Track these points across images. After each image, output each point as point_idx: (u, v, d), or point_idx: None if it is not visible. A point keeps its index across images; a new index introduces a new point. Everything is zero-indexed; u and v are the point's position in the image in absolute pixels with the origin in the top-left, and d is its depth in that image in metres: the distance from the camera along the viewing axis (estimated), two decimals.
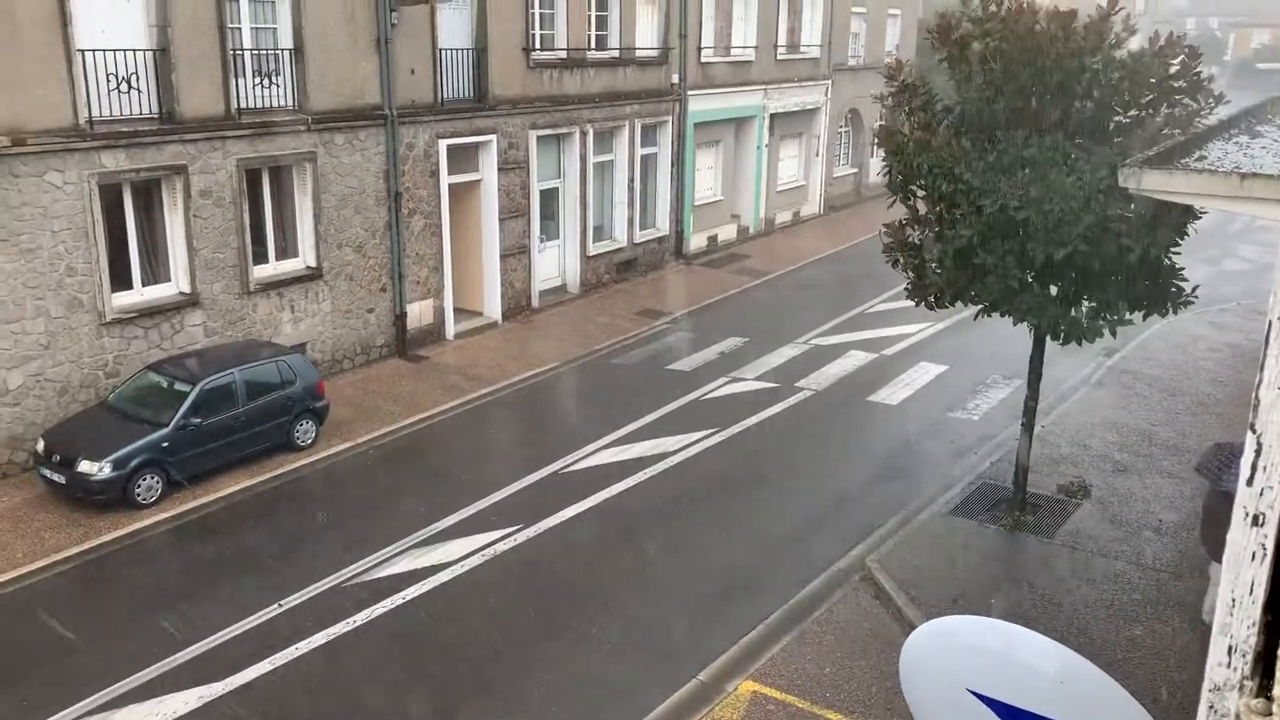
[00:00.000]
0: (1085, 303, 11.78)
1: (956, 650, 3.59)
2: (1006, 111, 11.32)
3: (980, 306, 12.11)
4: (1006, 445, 15.42)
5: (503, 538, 13.11)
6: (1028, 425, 13.24)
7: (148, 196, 15.76)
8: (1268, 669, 0.94)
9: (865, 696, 10.14)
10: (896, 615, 11.43)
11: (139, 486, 13.49)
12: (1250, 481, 0.98)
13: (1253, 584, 0.96)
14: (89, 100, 14.43)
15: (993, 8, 11.34)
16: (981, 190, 11.01)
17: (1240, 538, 0.99)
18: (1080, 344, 11.80)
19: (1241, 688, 0.90)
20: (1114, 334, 11.73)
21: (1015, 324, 12.18)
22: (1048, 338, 12.16)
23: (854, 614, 11.60)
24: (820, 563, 12.68)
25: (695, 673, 10.55)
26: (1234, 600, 0.99)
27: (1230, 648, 0.99)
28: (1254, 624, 0.95)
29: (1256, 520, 0.96)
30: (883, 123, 12.36)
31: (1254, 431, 0.97)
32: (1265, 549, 0.94)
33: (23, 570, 12.09)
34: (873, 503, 14.32)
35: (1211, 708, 1.14)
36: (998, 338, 18.52)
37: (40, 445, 13.83)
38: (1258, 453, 0.97)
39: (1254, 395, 0.97)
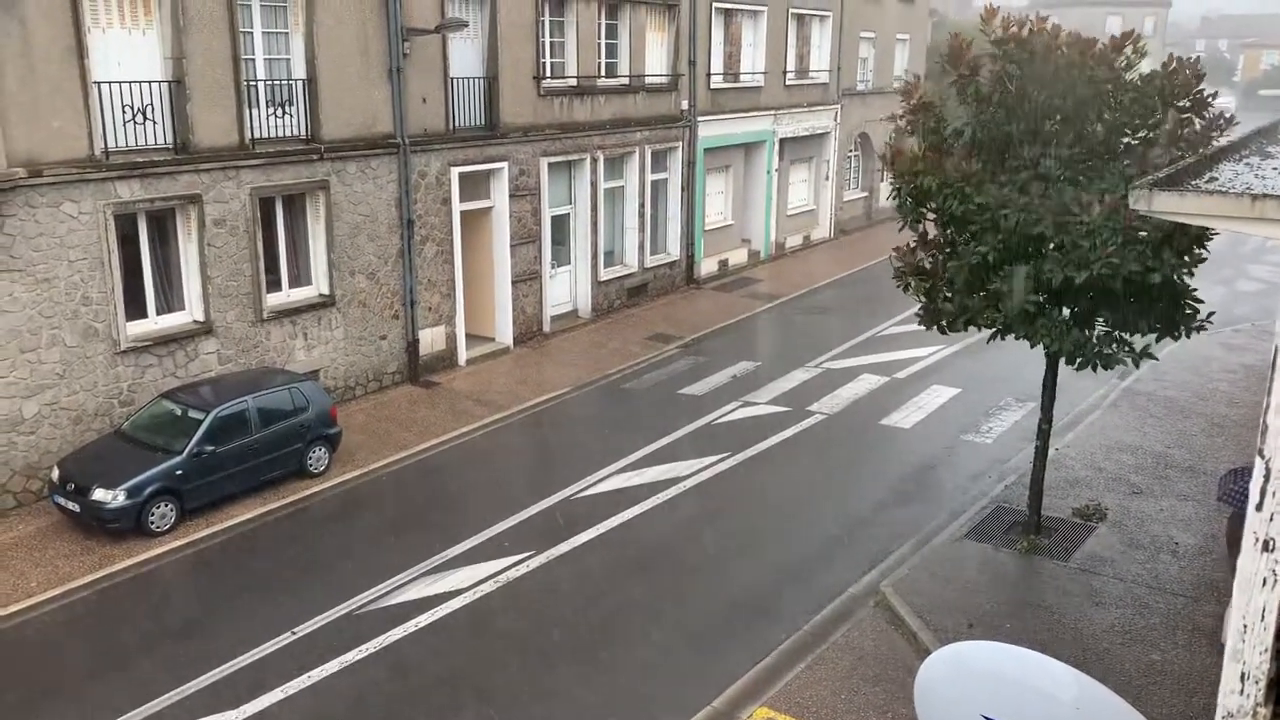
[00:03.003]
0: (1100, 325, 11.74)
1: (971, 676, 3.57)
2: (1019, 133, 11.34)
3: (994, 330, 12.07)
4: (1020, 468, 15.33)
5: (515, 564, 13.08)
6: (1042, 448, 13.17)
7: (162, 226, 15.90)
8: None
9: None
10: (912, 640, 11.34)
11: (153, 514, 13.52)
12: (1260, 506, 0.98)
13: (1264, 610, 0.95)
14: (105, 131, 14.59)
15: (1013, 29, 11.39)
16: (999, 204, 11.00)
17: (1250, 563, 0.99)
18: (1096, 370, 11.75)
19: (1255, 715, 0.89)
20: (1136, 365, 11.67)
21: (1032, 347, 12.13)
22: (1061, 360, 12.11)
23: (869, 640, 11.51)
24: (835, 588, 12.60)
25: (710, 699, 10.47)
26: (1245, 626, 0.98)
27: (1243, 674, 0.99)
28: (1266, 650, 0.94)
29: (1267, 546, 0.96)
30: (890, 144, 12.36)
31: (1262, 457, 0.97)
32: (1276, 574, 0.93)
33: (37, 599, 12.12)
34: (887, 527, 14.24)
35: None
36: (1010, 360, 18.48)
37: (55, 474, 13.89)
38: (1266, 478, 0.96)
39: (1262, 420, 0.97)
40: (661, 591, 12.55)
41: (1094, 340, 11.50)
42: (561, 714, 10.25)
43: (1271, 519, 0.92)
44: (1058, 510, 14.06)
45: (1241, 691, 0.97)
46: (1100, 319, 11.65)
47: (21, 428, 14.21)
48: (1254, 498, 0.92)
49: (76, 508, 13.44)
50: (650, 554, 13.48)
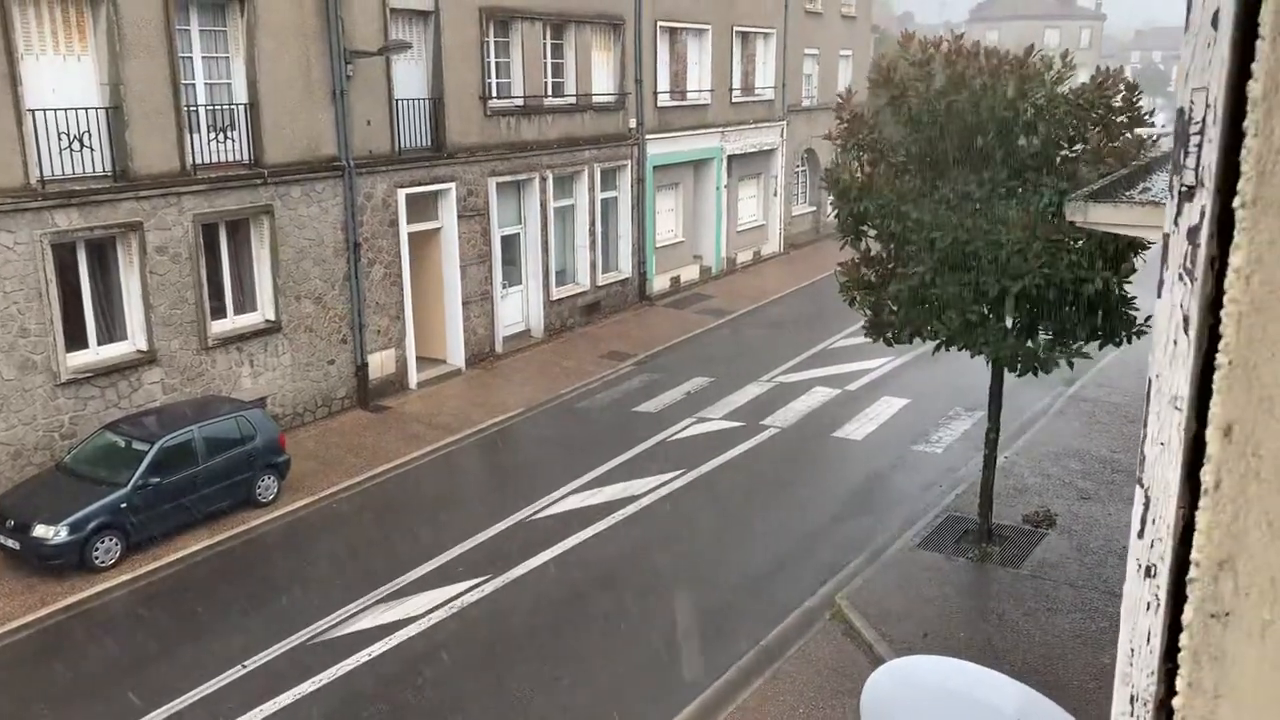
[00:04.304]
0: (1041, 334, 11.95)
1: (916, 690, 3.58)
2: (952, 150, 11.53)
3: (939, 341, 12.25)
4: (971, 477, 15.50)
5: (469, 589, 12.95)
6: (990, 456, 13.34)
7: (103, 254, 15.62)
8: (1169, 716, 0.94)
9: None
10: (868, 651, 11.40)
11: (97, 549, 13.21)
12: (1141, 534, 0.99)
13: (1149, 633, 0.96)
14: (40, 160, 14.31)
15: (930, 50, 11.59)
16: (933, 225, 11.19)
17: (1135, 589, 1.00)
18: (1037, 375, 11.96)
19: None
20: (1070, 365, 11.89)
21: (973, 357, 12.33)
22: (1006, 369, 12.30)
23: (826, 652, 11.55)
24: (791, 602, 12.64)
25: (669, 716, 10.42)
26: (1133, 650, 0.99)
27: (1132, 696, 1.00)
28: (1153, 673, 0.96)
29: (1149, 572, 0.97)
30: (830, 166, 12.56)
31: (1142, 486, 0.98)
32: (1159, 599, 0.95)
33: None
34: (841, 539, 14.32)
35: None
36: (958, 370, 18.69)
37: None
38: (1146, 506, 0.98)
39: (1140, 451, 0.98)
40: (619, 611, 12.50)
41: (1032, 346, 11.71)
42: None
43: (1152, 545, 0.93)
44: (1008, 518, 14.24)
45: (1131, 714, 0.97)
46: (1041, 328, 11.86)
47: None
48: (1135, 525, 0.94)
49: (16, 545, 13.09)
50: (607, 574, 13.42)
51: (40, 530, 12.95)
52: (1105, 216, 7.82)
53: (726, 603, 12.70)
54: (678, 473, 16.48)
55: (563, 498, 15.61)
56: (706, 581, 13.20)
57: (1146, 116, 11.46)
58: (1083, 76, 12.16)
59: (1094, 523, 14.21)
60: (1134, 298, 11.64)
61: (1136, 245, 10.89)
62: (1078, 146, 11.38)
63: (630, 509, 15.21)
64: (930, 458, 17.16)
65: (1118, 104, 11.24)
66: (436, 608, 12.52)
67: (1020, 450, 16.93)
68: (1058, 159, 11.50)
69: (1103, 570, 12.85)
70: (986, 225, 10.81)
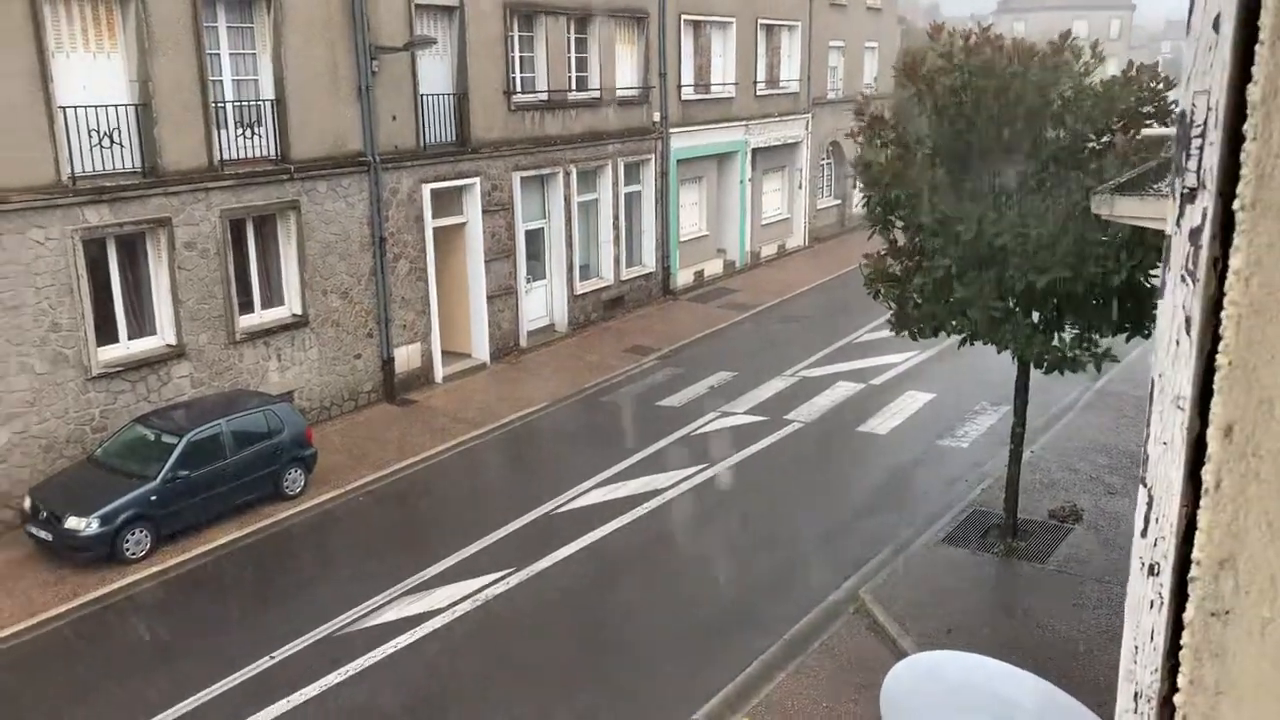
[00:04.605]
0: (1068, 329, 11.86)
1: (937, 685, 3.57)
2: (979, 142, 11.46)
3: (964, 336, 12.18)
4: (996, 472, 15.42)
5: (494, 582, 13.03)
6: (1016, 451, 13.27)
7: (132, 250, 15.80)
8: (1172, 713, 0.95)
9: None
10: (892, 646, 11.38)
11: (127, 541, 13.39)
12: (1144, 533, 1.01)
13: (1153, 631, 0.98)
14: (71, 156, 14.49)
15: (959, 42, 11.52)
16: (958, 217, 11.12)
17: (1138, 587, 1.01)
18: (1063, 374, 11.87)
19: None
20: (1098, 368, 11.79)
21: (999, 352, 12.25)
22: (1032, 365, 12.22)
23: (850, 647, 11.54)
24: (815, 596, 12.63)
25: (692, 711, 10.46)
26: (1137, 648, 1.00)
27: (1136, 693, 1.01)
28: (1156, 670, 0.97)
29: (1152, 570, 0.99)
30: (860, 154, 12.49)
31: (1145, 485, 0.99)
32: (1162, 597, 0.96)
33: (10, 630, 11.96)
34: (865, 534, 14.29)
35: None
36: (984, 364, 18.56)
37: (27, 503, 13.74)
38: (1149, 505, 0.99)
39: (1143, 450, 0.99)
40: (642, 605, 12.54)
41: (1059, 344, 11.62)
42: None
43: (1155, 544, 0.93)
44: (1034, 513, 14.16)
45: (1135, 710, 0.97)
46: (1067, 322, 11.77)
47: None
48: (1138, 524, 0.94)
49: (49, 537, 13.30)
50: (631, 567, 13.47)
51: (72, 522, 13.14)
52: (1132, 210, 7.75)
53: (751, 596, 12.71)
54: (701, 467, 16.49)
55: (586, 491, 15.66)
56: (730, 574, 13.22)
57: (1173, 109, 11.33)
58: (1112, 68, 12.04)
59: (1121, 518, 14.10)
60: None
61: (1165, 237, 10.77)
62: (1105, 139, 11.28)
63: (653, 503, 15.24)
64: (955, 452, 17.08)
65: (1144, 95, 11.12)
66: (461, 600, 12.60)
67: (1046, 445, 16.81)
68: (1084, 152, 11.40)
69: (1129, 566, 12.73)
70: (1014, 218, 10.72)
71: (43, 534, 13.36)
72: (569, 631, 12.02)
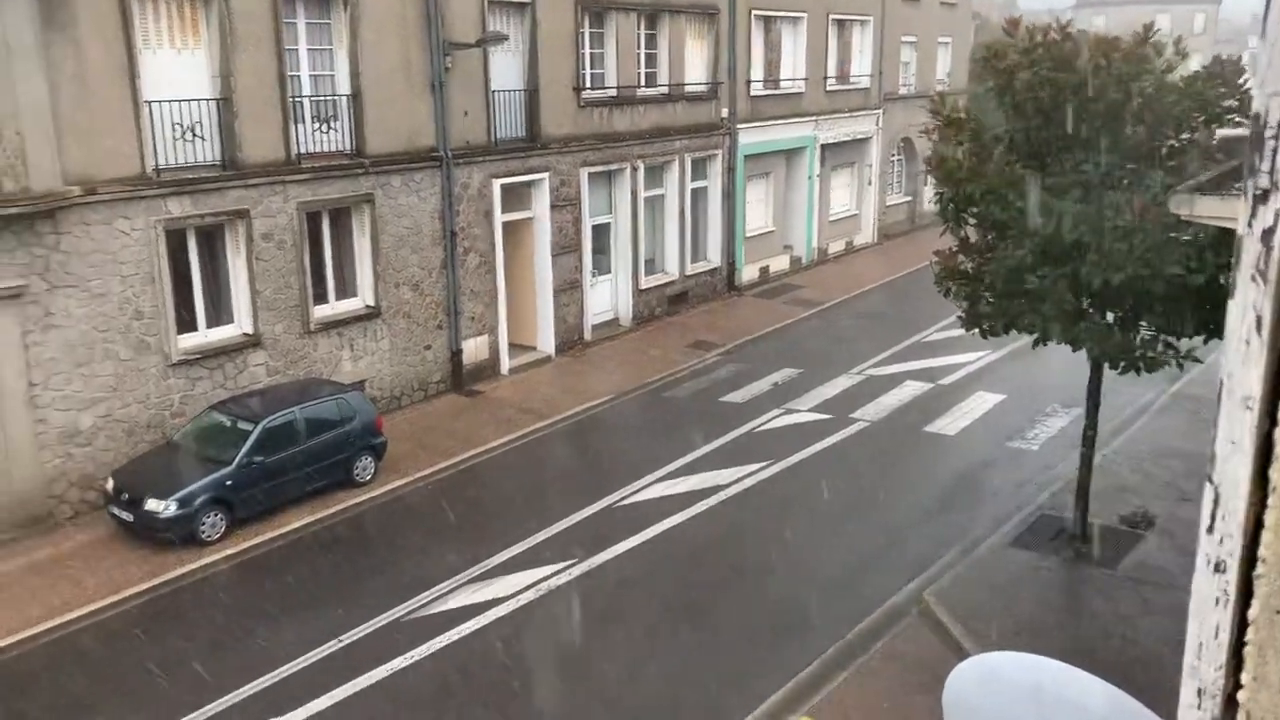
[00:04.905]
0: (1144, 329, 11.59)
1: (1001, 686, 3.55)
2: (1056, 138, 11.25)
3: (1036, 335, 11.96)
4: (1067, 475, 15.12)
5: (556, 572, 13.17)
6: (1087, 454, 13.02)
7: (211, 241, 16.25)
8: (1236, 710, 0.97)
9: None
10: (956, 649, 11.24)
11: (204, 524, 13.80)
12: (1211, 530, 1.02)
13: (1217, 628, 0.99)
14: (155, 149, 14.96)
15: (1038, 37, 11.32)
16: (1033, 211, 10.93)
17: (1204, 584, 1.03)
18: (1139, 373, 11.60)
19: None
20: (1180, 366, 11.51)
21: (1074, 351, 12.01)
22: (1107, 365, 11.97)
23: (913, 649, 11.44)
24: (878, 597, 12.54)
25: (752, 708, 10.47)
26: (1201, 644, 1.02)
27: (1199, 690, 1.03)
28: (1220, 666, 0.98)
29: (1218, 567, 1.00)
30: (933, 150, 12.33)
31: (1211, 483, 1.01)
32: (1228, 594, 0.97)
33: (93, 606, 12.42)
34: (931, 535, 14.14)
35: None
36: (1056, 366, 18.23)
37: (110, 484, 14.24)
38: (1216, 502, 1.00)
39: (1210, 448, 1.01)
40: (702, 600, 12.57)
41: (1137, 343, 11.36)
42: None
43: (1221, 541, 0.92)
44: (1105, 517, 13.87)
45: (1199, 706, 0.96)
46: (1144, 323, 11.50)
47: (78, 439, 14.59)
48: (1204, 521, 0.93)
49: (130, 517, 13.76)
50: (691, 562, 13.50)
51: (152, 504, 13.58)
52: (1212, 210, 7.56)
53: (812, 595, 12.66)
54: (764, 464, 16.45)
55: (648, 485, 15.73)
56: (791, 573, 13.18)
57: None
58: (1195, 63, 11.73)
59: (1194, 525, 13.52)
60: None
61: None
62: (1184, 136, 10.99)
63: (715, 499, 15.25)
64: (1025, 455, 16.80)
65: (1227, 91, 10.82)
66: (525, 589, 12.76)
67: (1119, 448, 16.45)
68: (1164, 149, 11.13)
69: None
70: (1090, 213, 10.49)
71: (124, 515, 13.83)
72: (628, 624, 12.10)
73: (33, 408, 14.02)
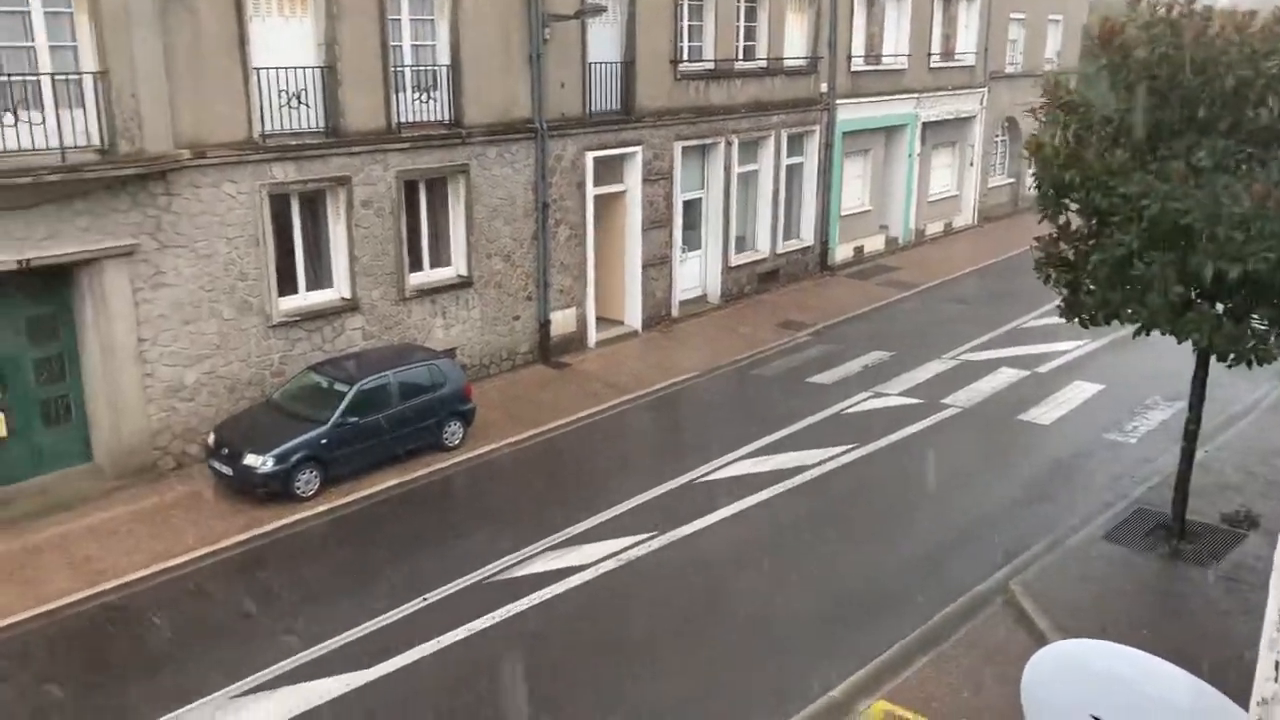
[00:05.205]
0: (1255, 321, 11.07)
1: (1082, 674, 3.48)
2: (1172, 120, 10.78)
3: (1139, 325, 11.51)
4: (1165, 470, 14.61)
5: (637, 543, 13.26)
6: (1188, 449, 12.55)
7: (313, 206, 16.67)
8: None
9: None
10: (1040, 641, 10.94)
11: (299, 480, 14.25)
12: None
13: None
14: (262, 115, 15.38)
15: (1160, 11, 10.83)
16: (1141, 195, 10.48)
17: None
18: (1251, 367, 11.10)
19: None
20: None
21: (1179, 342, 11.55)
22: (1213, 358, 11.49)
23: (996, 639, 11.23)
24: (962, 584, 12.32)
25: (827, 689, 10.42)
26: None
27: (1277, 663, 0.98)
28: None
29: None
30: (1034, 134, 11.93)
31: None
32: None
33: (193, 555, 12.96)
34: (1020, 525, 13.83)
35: None
36: (1158, 357, 17.59)
37: (211, 439, 14.79)
38: None
39: None
40: (782, 577, 12.52)
41: (1249, 334, 10.86)
42: (677, 691, 10.37)
43: None
44: (1204, 515, 13.37)
45: (1276, 679, 0.93)
46: (1256, 315, 10.98)
47: (182, 394, 15.18)
48: None
49: (230, 471, 14.29)
50: (772, 540, 13.45)
51: (250, 459, 14.07)
52: None
53: (893, 579, 12.52)
54: (850, 446, 16.27)
55: (732, 462, 15.70)
56: (874, 556, 13.03)
57: None
58: None
59: None
60: None
61: None
62: None
63: (799, 479, 15.15)
64: (1123, 447, 16.28)
65: None
66: (606, 558, 12.89)
67: (1224, 445, 15.82)
68: None
69: None
70: (1205, 198, 10.02)
71: (224, 469, 14.36)
72: (705, 598, 12.13)
73: (141, 362, 14.63)
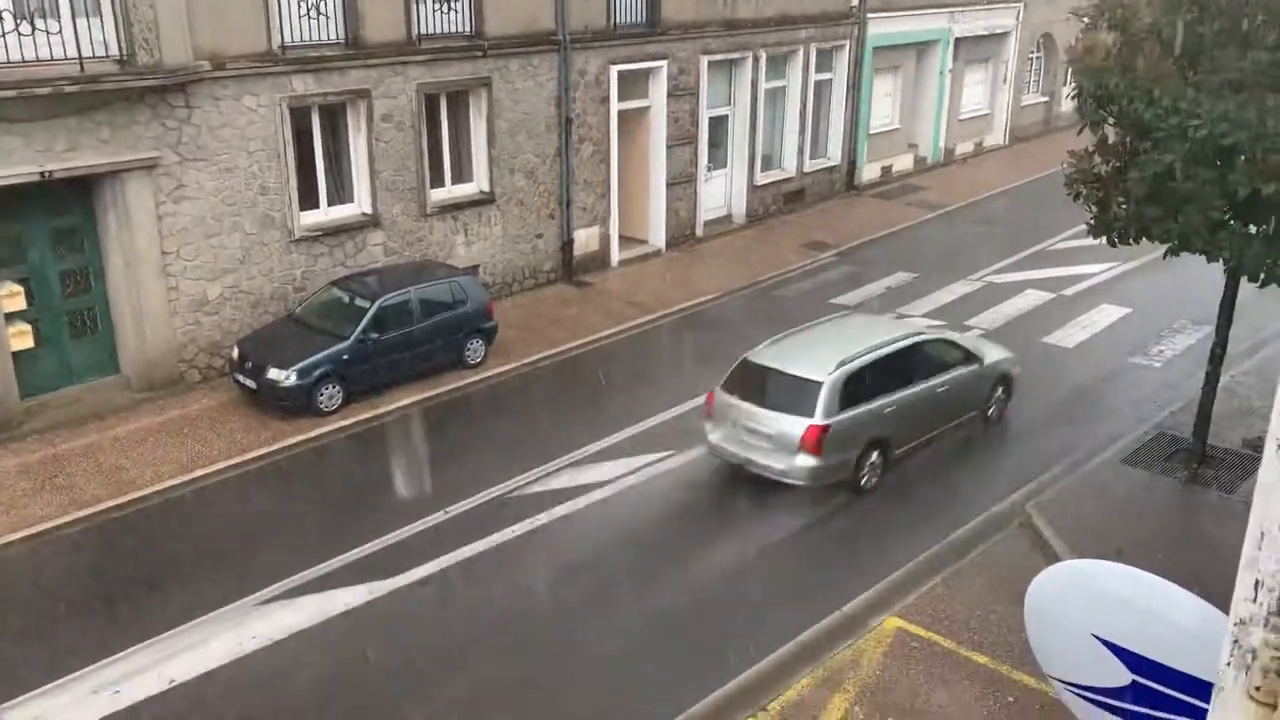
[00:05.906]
0: None
1: (1087, 594, 3.48)
2: (1213, 33, 10.41)
3: (1170, 243, 11.28)
4: (1189, 395, 14.46)
5: (656, 460, 13.37)
6: (1213, 373, 12.42)
7: (333, 120, 16.52)
8: None
9: (1016, 642, 9.89)
10: (1054, 562, 11.05)
11: (321, 395, 14.40)
12: None
13: None
14: (281, 26, 15.16)
15: None
16: (1189, 112, 10.15)
17: (1272, 469, 0.95)
18: None
19: (1267, 623, 0.86)
20: None
21: (1209, 262, 11.33)
22: (1243, 280, 11.28)
23: (1009, 560, 11.30)
24: (978, 505, 12.37)
25: (840, 604, 10.56)
26: (1262, 534, 0.95)
27: (1257, 582, 0.96)
28: None
29: None
30: (1080, 38, 11.49)
31: None
32: None
33: (219, 465, 13.19)
34: (1039, 447, 13.81)
35: (1236, 642, 1.07)
36: (1187, 281, 17.34)
37: (235, 352, 14.94)
38: None
39: None
40: (797, 494, 12.60)
41: None
42: (697, 598, 10.55)
43: None
44: (1227, 440, 13.30)
45: (1255, 599, 0.92)
46: None
47: (206, 308, 15.29)
48: (1277, 404, 0.87)
49: (253, 385, 14.45)
50: None
51: (274, 373, 14.22)
52: None
53: (908, 502, 12.57)
54: None
55: None
56: (890, 476, 13.07)
57: None
58: None
59: None
60: None
61: None
62: None
63: None
64: (1147, 371, 16.14)
65: None
66: (626, 474, 13.02)
67: (1251, 370, 15.65)
68: None
69: None
70: (1250, 116, 9.71)
71: (248, 382, 14.52)
72: (722, 512, 12.28)
73: (165, 276, 14.71)
